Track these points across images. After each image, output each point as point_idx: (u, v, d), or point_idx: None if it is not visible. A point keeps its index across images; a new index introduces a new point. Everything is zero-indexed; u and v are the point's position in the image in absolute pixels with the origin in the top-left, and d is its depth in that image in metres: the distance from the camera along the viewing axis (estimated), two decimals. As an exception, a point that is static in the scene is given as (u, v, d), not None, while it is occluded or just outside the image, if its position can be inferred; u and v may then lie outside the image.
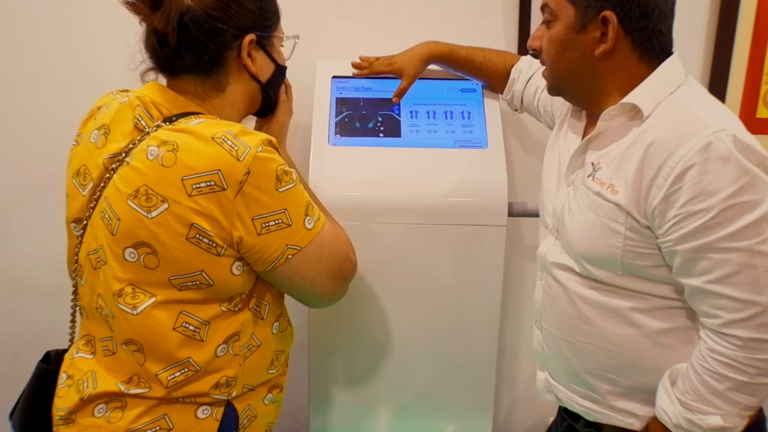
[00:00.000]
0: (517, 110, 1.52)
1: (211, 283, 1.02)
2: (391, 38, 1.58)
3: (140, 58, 1.08)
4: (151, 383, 1.04)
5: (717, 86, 1.66)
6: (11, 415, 1.16)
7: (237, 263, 1.03)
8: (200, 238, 0.99)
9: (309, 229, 1.05)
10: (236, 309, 1.07)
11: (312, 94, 1.54)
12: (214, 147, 0.98)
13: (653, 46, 1.05)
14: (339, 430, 1.62)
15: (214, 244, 0.99)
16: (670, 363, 1.06)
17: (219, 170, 0.97)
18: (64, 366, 1.12)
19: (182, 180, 0.97)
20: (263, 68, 1.14)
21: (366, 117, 1.52)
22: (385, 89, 1.54)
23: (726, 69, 1.65)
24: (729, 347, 0.97)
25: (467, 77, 1.55)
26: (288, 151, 1.60)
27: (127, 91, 1.13)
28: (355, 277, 1.48)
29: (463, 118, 1.54)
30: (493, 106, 1.54)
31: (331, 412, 1.60)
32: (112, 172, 1.04)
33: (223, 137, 0.99)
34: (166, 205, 0.98)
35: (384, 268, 1.49)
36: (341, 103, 1.53)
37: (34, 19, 1.65)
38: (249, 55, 1.10)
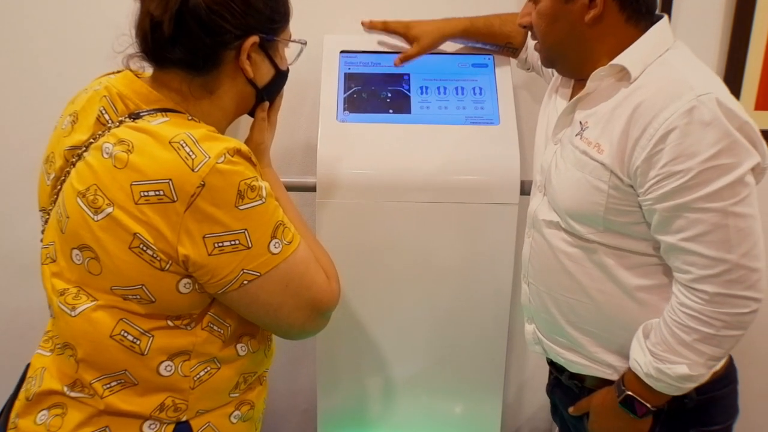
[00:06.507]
0: (529, 69, 1.53)
1: (153, 299, 0.94)
2: (399, 12, 1.54)
3: (128, 41, 0.98)
4: (90, 391, 0.97)
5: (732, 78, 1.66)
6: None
7: (185, 280, 0.94)
8: (143, 249, 0.90)
9: (274, 254, 0.94)
10: (185, 327, 0.98)
11: (319, 70, 1.50)
12: (169, 152, 0.89)
13: (639, 6, 1.08)
14: (347, 410, 1.62)
15: (157, 258, 0.91)
16: (646, 319, 1.11)
17: (170, 179, 0.88)
18: (31, 365, 1.05)
19: (131, 185, 0.89)
20: (262, 72, 1.04)
21: (375, 93, 1.49)
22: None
23: (743, 58, 1.65)
24: (697, 301, 1.02)
25: (489, 46, 1.53)
26: (295, 127, 1.56)
27: (116, 73, 1.04)
28: (365, 256, 1.47)
29: (475, 93, 1.51)
30: (505, 82, 1.52)
31: (339, 392, 1.60)
32: (71, 166, 0.97)
33: (182, 141, 0.89)
34: (111, 209, 0.90)
35: (393, 248, 1.48)
36: (350, 79, 1.50)
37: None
38: (249, 58, 1.00)
